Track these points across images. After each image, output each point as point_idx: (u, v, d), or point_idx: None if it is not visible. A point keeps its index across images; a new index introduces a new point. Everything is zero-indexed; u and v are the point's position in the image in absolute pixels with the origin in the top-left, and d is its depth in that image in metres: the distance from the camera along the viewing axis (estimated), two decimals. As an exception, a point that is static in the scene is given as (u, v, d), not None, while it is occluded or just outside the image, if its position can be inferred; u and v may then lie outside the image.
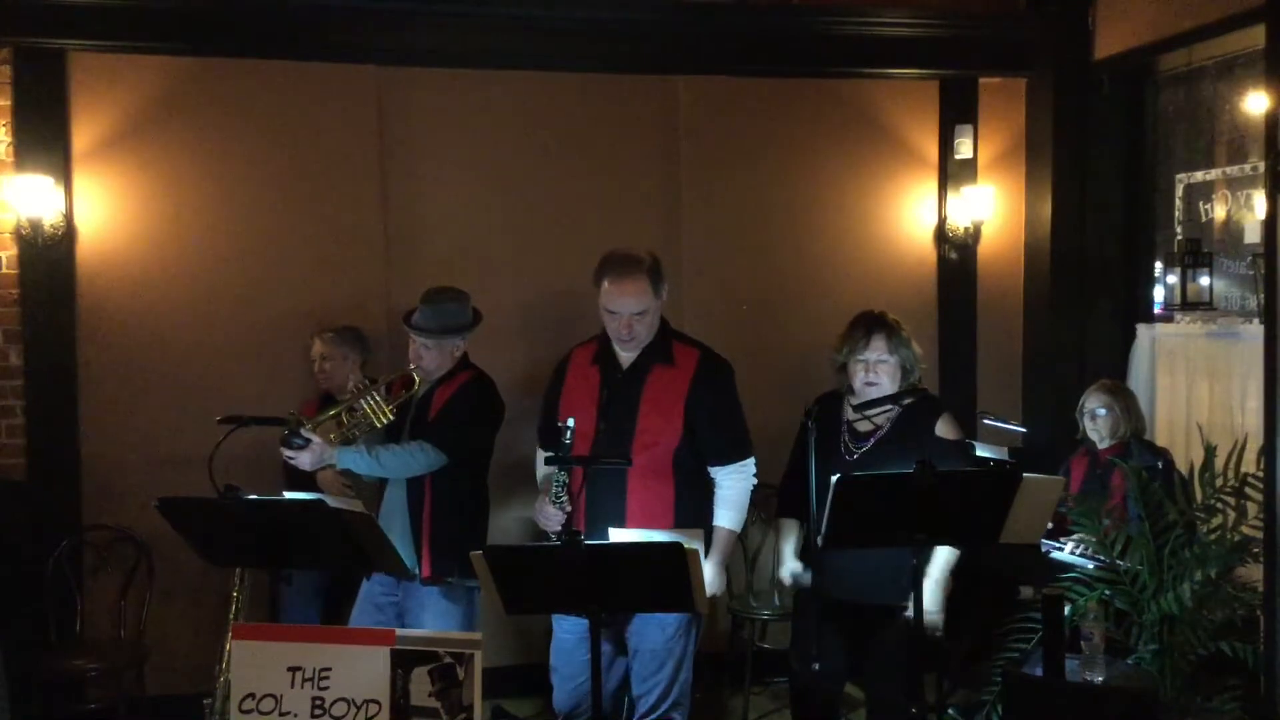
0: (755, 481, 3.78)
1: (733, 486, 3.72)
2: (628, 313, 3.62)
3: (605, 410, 3.65)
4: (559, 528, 3.58)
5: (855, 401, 3.82)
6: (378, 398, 3.91)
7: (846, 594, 3.72)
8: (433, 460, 3.89)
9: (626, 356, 3.72)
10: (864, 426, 3.80)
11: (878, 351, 3.76)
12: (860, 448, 3.78)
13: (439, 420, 3.97)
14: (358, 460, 3.84)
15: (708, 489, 3.73)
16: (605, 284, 3.65)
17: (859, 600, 3.72)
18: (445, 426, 3.95)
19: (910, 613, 3.54)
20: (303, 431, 3.72)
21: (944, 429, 3.80)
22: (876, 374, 3.77)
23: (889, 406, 3.78)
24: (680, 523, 3.62)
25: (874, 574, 3.66)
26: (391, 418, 3.93)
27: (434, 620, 3.90)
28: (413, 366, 4.03)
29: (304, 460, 3.76)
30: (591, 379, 3.71)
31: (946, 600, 3.76)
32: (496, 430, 4.13)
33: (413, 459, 3.88)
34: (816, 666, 3.71)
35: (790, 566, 3.87)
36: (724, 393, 3.73)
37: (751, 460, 3.76)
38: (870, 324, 3.81)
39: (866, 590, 3.70)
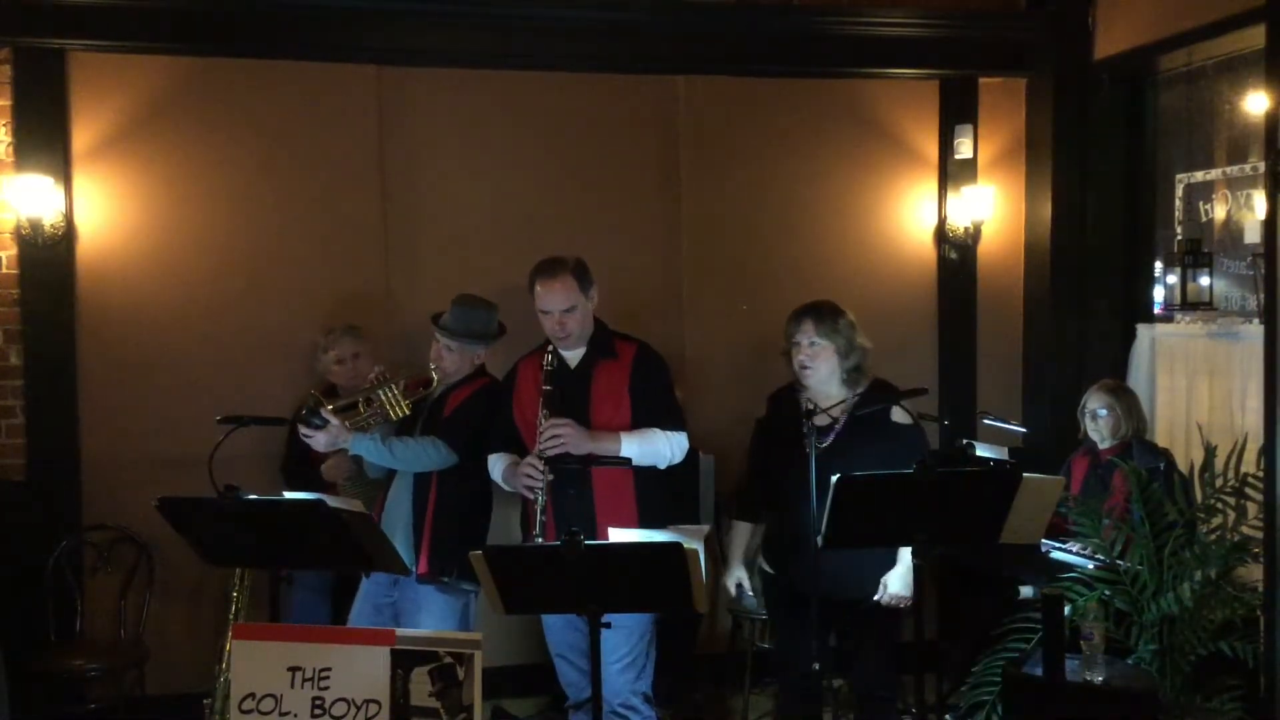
0: (676, 458, 3.85)
1: (657, 433, 3.81)
2: (558, 310, 3.82)
3: (559, 407, 3.75)
4: (539, 480, 3.66)
5: (811, 396, 3.87)
6: (396, 391, 4.01)
7: (825, 591, 3.72)
8: (443, 457, 3.97)
9: (572, 356, 3.90)
10: (822, 421, 3.83)
11: (808, 334, 3.84)
12: (823, 443, 3.79)
13: (452, 421, 4.05)
14: (370, 448, 3.93)
15: (668, 486, 3.86)
16: (537, 287, 3.87)
17: (838, 596, 3.74)
18: (458, 427, 4.02)
19: (880, 593, 3.76)
20: (322, 412, 3.84)
21: (899, 414, 3.88)
22: (810, 357, 3.84)
23: (842, 399, 3.84)
24: (645, 520, 3.68)
25: (850, 569, 3.70)
26: (407, 412, 4.03)
27: (430, 618, 3.94)
28: (433, 366, 4.13)
29: (320, 440, 3.88)
30: (542, 381, 3.82)
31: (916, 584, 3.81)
32: None
33: (424, 453, 3.96)
34: (817, 666, 3.72)
35: (736, 575, 3.94)
36: (658, 375, 3.94)
37: (684, 436, 3.88)
38: (804, 309, 3.92)
39: (844, 586, 3.73)
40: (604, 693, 3.65)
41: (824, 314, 3.87)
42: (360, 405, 4.01)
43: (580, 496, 3.70)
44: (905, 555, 3.76)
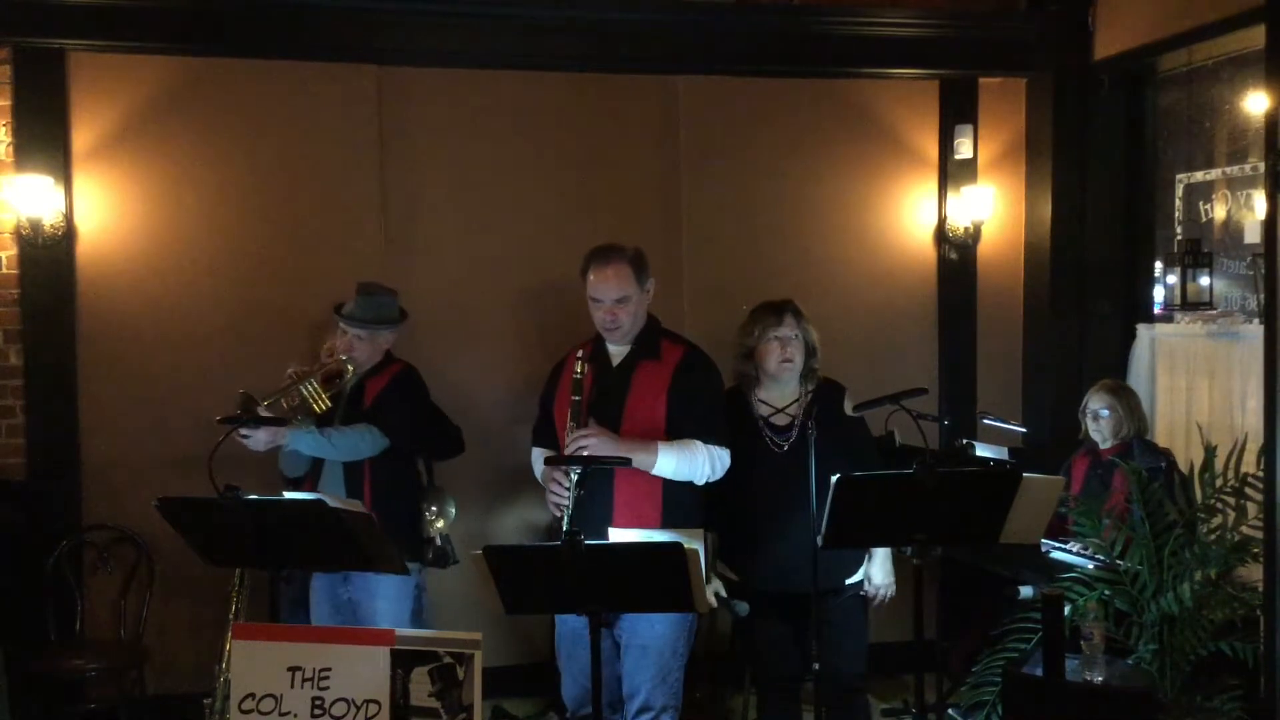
0: (716, 475, 3.65)
1: (698, 446, 3.61)
2: (610, 299, 3.67)
3: (595, 405, 3.66)
4: (566, 499, 3.53)
5: (763, 397, 3.89)
6: (315, 385, 4.05)
7: (794, 585, 3.74)
8: (378, 442, 4.05)
9: (616, 352, 3.77)
10: (781, 420, 3.87)
11: (791, 328, 3.87)
12: (786, 439, 3.83)
13: (379, 407, 4.12)
14: (309, 441, 3.97)
15: (696, 492, 3.70)
16: (590, 274, 3.72)
17: (808, 589, 3.73)
18: (387, 412, 4.10)
19: (866, 588, 3.91)
20: (259, 412, 3.86)
21: (849, 408, 3.95)
22: (791, 351, 3.85)
23: (796, 395, 3.88)
24: (668, 522, 3.61)
25: (820, 560, 3.67)
26: (329, 404, 4.08)
27: (386, 603, 4.03)
28: (344, 358, 4.15)
29: (259, 439, 3.89)
30: (585, 376, 3.72)
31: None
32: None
33: (361, 440, 4.03)
34: (817, 666, 3.73)
35: (713, 585, 3.83)
36: (706, 383, 3.75)
37: (726, 453, 3.67)
38: (779, 305, 3.93)
39: (814, 578, 3.71)
40: (637, 704, 3.65)
41: (799, 309, 3.94)
42: (284, 403, 4.03)
43: (599, 501, 3.59)
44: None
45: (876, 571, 3.93)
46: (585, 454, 3.48)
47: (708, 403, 3.72)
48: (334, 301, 5.00)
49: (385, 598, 4.04)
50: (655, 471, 3.57)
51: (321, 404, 4.05)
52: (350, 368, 4.15)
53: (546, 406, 3.89)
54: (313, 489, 4.07)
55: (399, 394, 4.17)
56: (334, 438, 4.00)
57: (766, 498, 3.80)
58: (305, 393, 4.03)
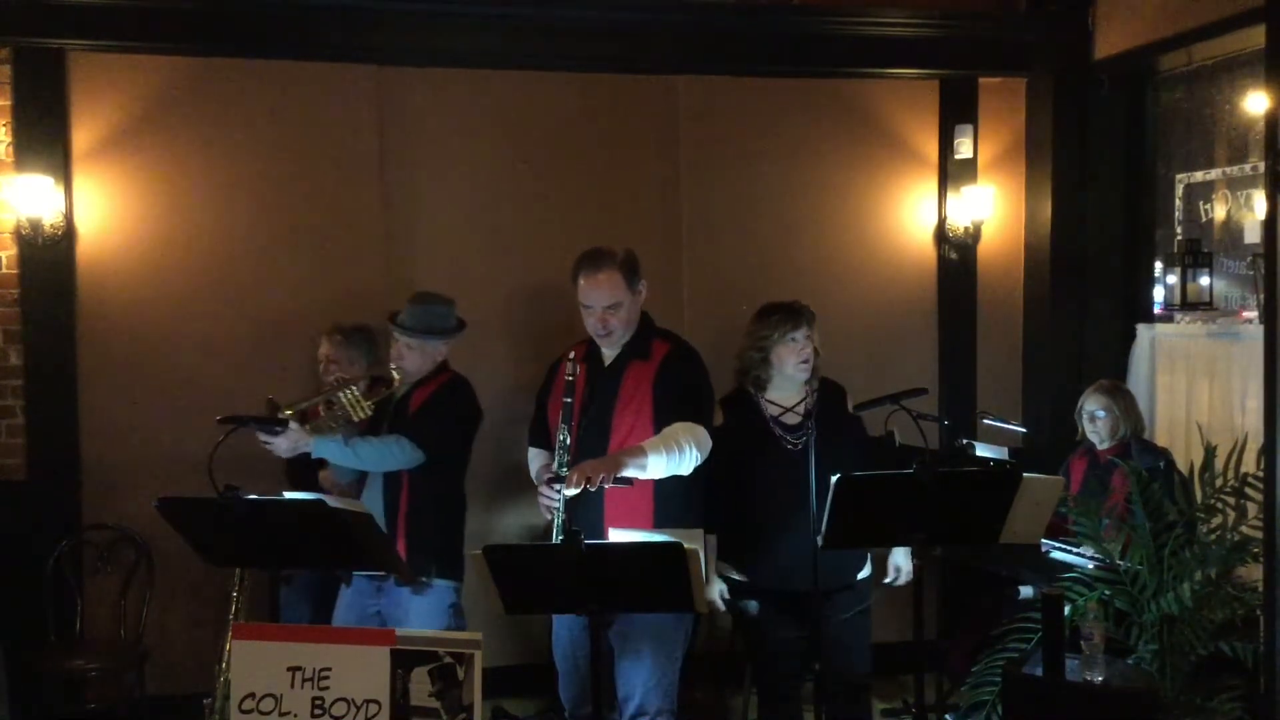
0: (699, 457, 3.58)
1: (677, 430, 3.55)
2: (600, 306, 3.65)
3: (587, 407, 3.67)
4: (556, 501, 3.52)
5: (772, 397, 3.93)
6: (356, 392, 3.95)
7: (804, 584, 3.74)
8: (409, 456, 3.90)
9: (609, 354, 3.76)
10: (791, 419, 3.90)
11: (805, 331, 3.93)
12: (800, 438, 3.84)
13: (418, 417, 4.00)
14: (334, 450, 3.85)
15: (689, 489, 3.68)
16: (580, 280, 3.70)
17: (818, 588, 3.74)
18: (424, 424, 3.96)
19: (891, 575, 4.04)
20: (281, 417, 3.75)
21: (850, 408, 4.02)
22: (808, 352, 3.91)
23: (803, 395, 3.93)
24: (660, 522, 3.60)
25: (827, 559, 3.70)
26: (370, 413, 3.97)
27: (419, 623, 3.89)
28: (394, 366, 4.05)
29: (281, 445, 3.79)
30: (576, 377, 3.72)
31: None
32: (474, 431, 4.16)
33: (389, 452, 3.89)
34: (817, 666, 3.73)
35: (719, 586, 3.89)
36: (687, 373, 3.73)
37: (704, 431, 3.61)
38: (799, 307, 3.97)
39: (823, 576, 3.73)
40: (632, 708, 3.65)
41: (813, 313, 3.98)
42: (321, 408, 3.95)
43: (591, 503, 3.59)
44: None
45: (902, 557, 4.04)
46: (588, 485, 3.41)
47: (687, 383, 3.69)
48: (333, 301, 5.03)
49: (418, 615, 3.92)
50: (649, 474, 3.53)
51: (361, 412, 3.94)
52: (398, 376, 4.03)
53: (542, 405, 3.90)
54: (356, 498, 4.02)
55: (440, 406, 4.01)
56: (359, 447, 3.87)
57: (780, 496, 3.82)
58: (345, 399, 3.92)
